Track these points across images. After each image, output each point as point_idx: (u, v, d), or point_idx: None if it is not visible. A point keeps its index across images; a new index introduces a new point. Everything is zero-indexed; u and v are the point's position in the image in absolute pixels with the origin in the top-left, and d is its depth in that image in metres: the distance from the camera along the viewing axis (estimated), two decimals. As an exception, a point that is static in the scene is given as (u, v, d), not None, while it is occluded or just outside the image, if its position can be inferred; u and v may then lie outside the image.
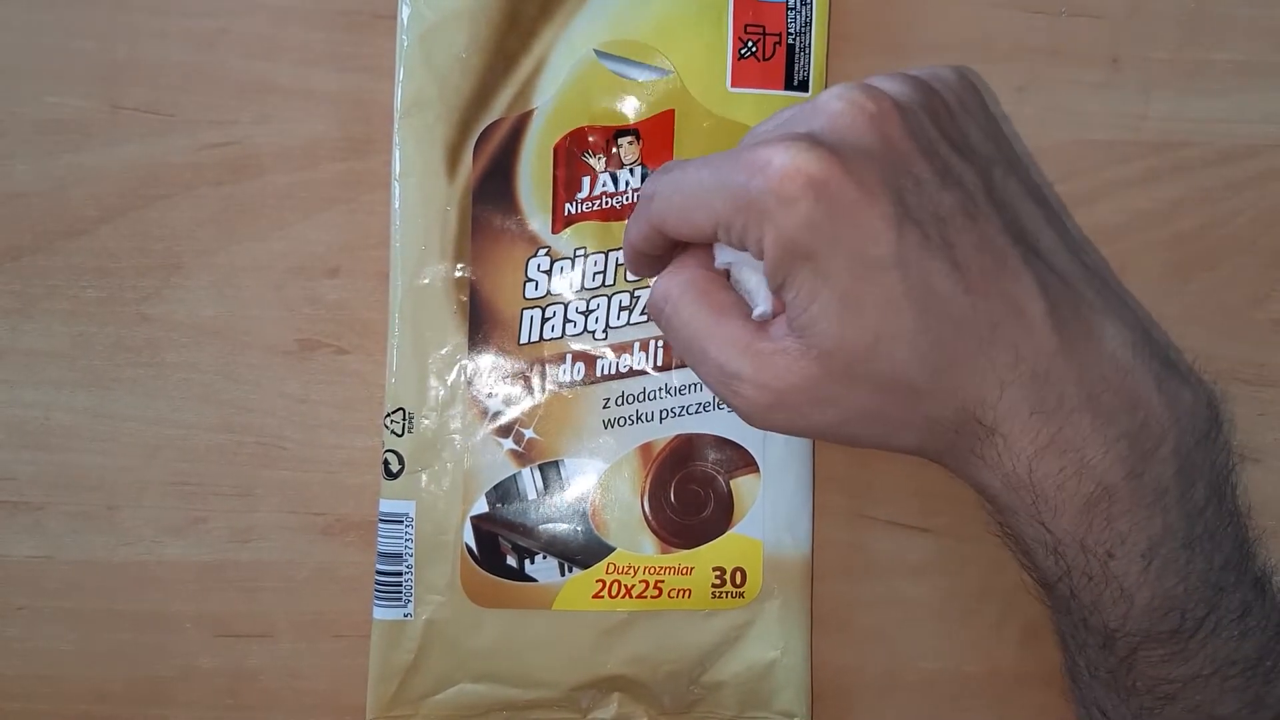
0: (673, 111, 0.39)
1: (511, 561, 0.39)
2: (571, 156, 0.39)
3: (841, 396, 0.30)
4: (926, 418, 0.30)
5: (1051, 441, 0.29)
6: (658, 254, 0.33)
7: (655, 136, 0.39)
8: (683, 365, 0.39)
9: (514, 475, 0.39)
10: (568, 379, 0.39)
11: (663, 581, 0.40)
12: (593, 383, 0.39)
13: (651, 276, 0.34)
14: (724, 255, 0.32)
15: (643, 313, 0.39)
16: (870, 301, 0.29)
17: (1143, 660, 0.31)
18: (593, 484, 0.39)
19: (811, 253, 0.28)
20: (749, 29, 0.39)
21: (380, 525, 0.39)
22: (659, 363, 0.39)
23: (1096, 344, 0.30)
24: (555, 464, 0.39)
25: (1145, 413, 0.30)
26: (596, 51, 0.39)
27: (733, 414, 0.39)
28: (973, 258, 0.29)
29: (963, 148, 0.31)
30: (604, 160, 0.39)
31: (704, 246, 0.33)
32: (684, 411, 0.40)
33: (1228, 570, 0.31)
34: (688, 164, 0.31)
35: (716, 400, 0.40)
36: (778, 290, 0.30)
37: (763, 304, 0.31)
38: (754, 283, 0.32)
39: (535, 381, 0.39)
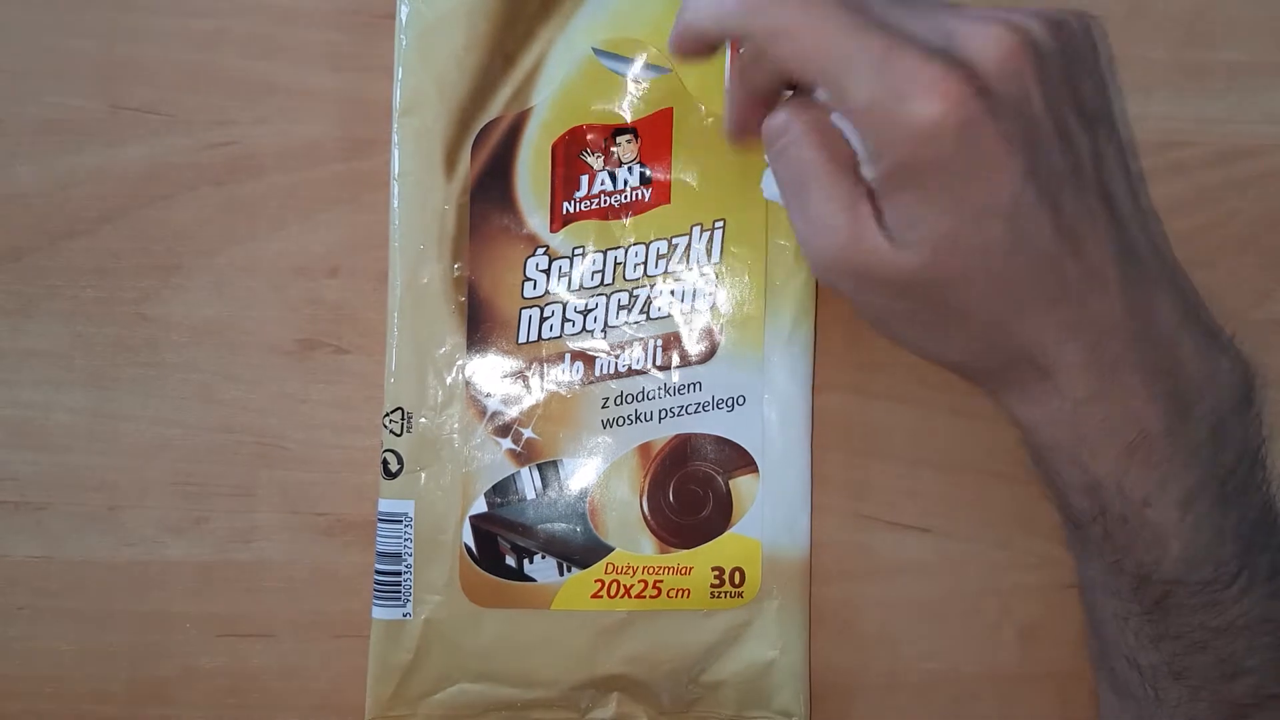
0: (671, 110, 0.39)
1: (510, 561, 0.39)
2: (570, 155, 0.39)
3: (909, 302, 0.31)
4: (984, 344, 0.31)
5: (1100, 392, 0.31)
6: (764, 91, 0.33)
7: (653, 135, 0.39)
8: (682, 365, 0.39)
9: (513, 475, 0.39)
10: (566, 378, 0.39)
11: (661, 581, 0.40)
12: (591, 382, 0.39)
13: (745, 116, 0.33)
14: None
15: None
16: (972, 244, 0.29)
17: (1175, 607, 0.32)
18: (591, 484, 0.40)
19: (928, 186, 0.29)
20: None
21: (379, 525, 0.39)
22: (658, 362, 0.39)
23: (1153, 311, 0.31)
24: (554, 464, 0.39)
25: (1185, 376, 0.31)
26: (595, 50, 0.39)
27: (732, 414, 0.39)
28: (1071, 221, 0.30)
29: (1080, 108, 0.31)
30: (602, 158, 0.39)
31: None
32: (683, 411, 0.40)
33: (1259, 530, 0.32)
34: (831, 6, 0.29)
35: (716, 400, 0.40)
36: (881, 196, 0.30)
37: (870, 170, 0.31)
38: (864, 152, 0.31)
39: (534, 381, 0.39)
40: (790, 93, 0.33)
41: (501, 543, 0.39)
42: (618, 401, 0.39)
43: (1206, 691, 0.33)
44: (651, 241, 0.39)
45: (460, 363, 0.39)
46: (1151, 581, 0.32)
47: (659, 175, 0.39)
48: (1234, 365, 0.32)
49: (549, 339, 0.39)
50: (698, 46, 0.32)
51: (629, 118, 0.39)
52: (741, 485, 0.40)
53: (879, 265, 0.30)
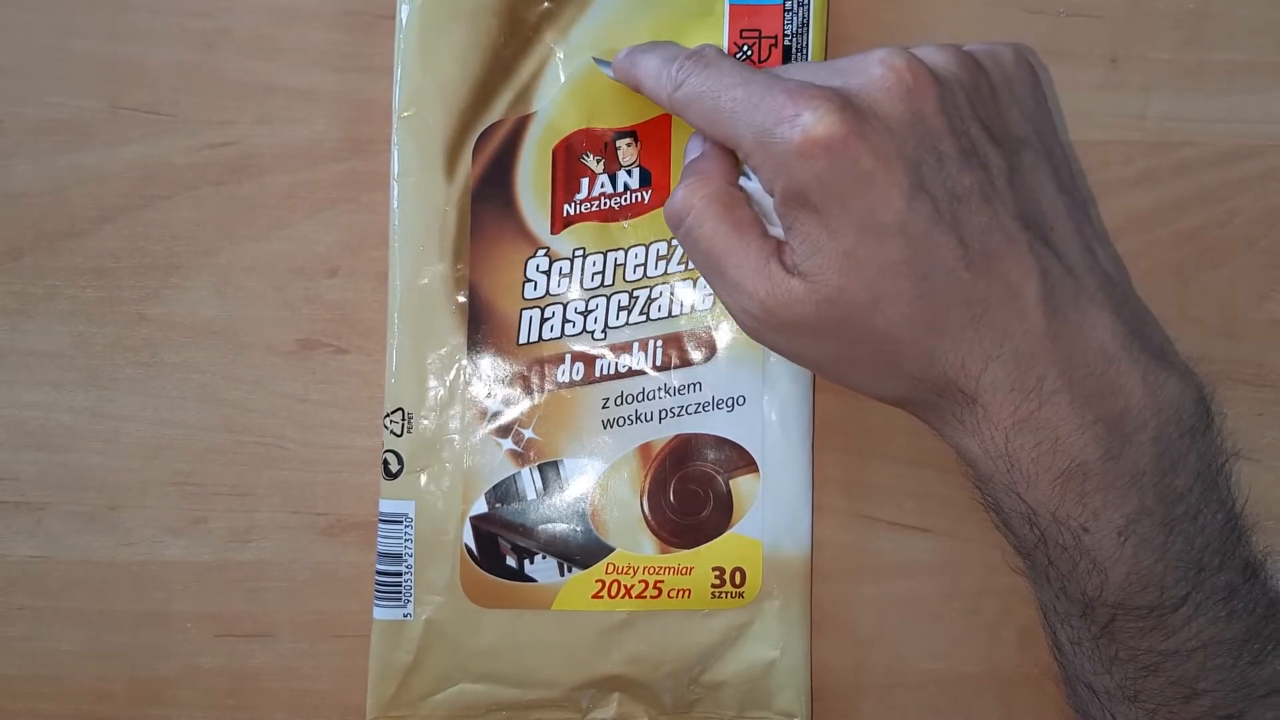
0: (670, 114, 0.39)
1: (511, 562, 0.39)
2: (570, 158, 0.39)
3: (835, 338, 0.32)
4: (910, 375, 0.32)
5: (1029, 418, 0.31)
6: None
7: (653, 138, 0.39)
8: (682, 365, 0.39)
9: (513, 475, 0.39)
10: (567, 379, 0.39)
11: (662, 581, 0.40)
12: (592, 383, 0.39)
13: None
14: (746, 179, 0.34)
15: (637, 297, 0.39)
16: (873, 262, 0.30)
17: (1122, 631, 0.32)
18: (592, 484, 0.40)
19: (820, 208, 0.30)
20: (744, 34, 0.39)
21: (380, 525, 0.39)
22: (658, 363, 0.39)
23: (1086, 333, 0.31)
24: (554, 464, 0.39)
25: (1126, 400, 0.31)
26: (595, 59, 0.38)
27: (732, 414, 0.39)
28: (979, 238, 0.30)
29: (996, 129, 0.32)
30: (602, 162, 0.39)
31: (727, 152, 0.34)
32: (683, 411, 0.40)
33: (1210, 553, 0.32)
34: (725, 71, 0.32)
35: (716, 400, 0.40)
36: (785, 231, 0.31)
37: (777, 226, 0.32)
38: (769, 204, 0.33)
39: (534, 381, 0.39)
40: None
41: (502, 543, 0.39)
42: (618, 402, 0.39)
43: (1163, 714, 0.33)
44: (651, 243, 0.39)
45: (461, 363, 0.39)
46: (1096, 607, 0.32)
47: (659, 177, 0.39)
48: (1185, 388, 0.32)
49: (549, 340, 0.39)
50: (633, 87, 0.36)
51: (629, 122, 0.39)
52: (742, 485, 0.40)
53: (799, 311, 0.31)
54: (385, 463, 0.39)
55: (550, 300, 0.39)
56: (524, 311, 0.39)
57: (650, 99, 0.35)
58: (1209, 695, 0.32)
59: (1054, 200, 0.32)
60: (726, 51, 0.39)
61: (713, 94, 0.32)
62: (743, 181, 0.34)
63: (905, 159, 0.30)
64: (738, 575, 0.40)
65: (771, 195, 0.31)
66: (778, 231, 0.32)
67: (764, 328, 0.33)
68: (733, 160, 0.34)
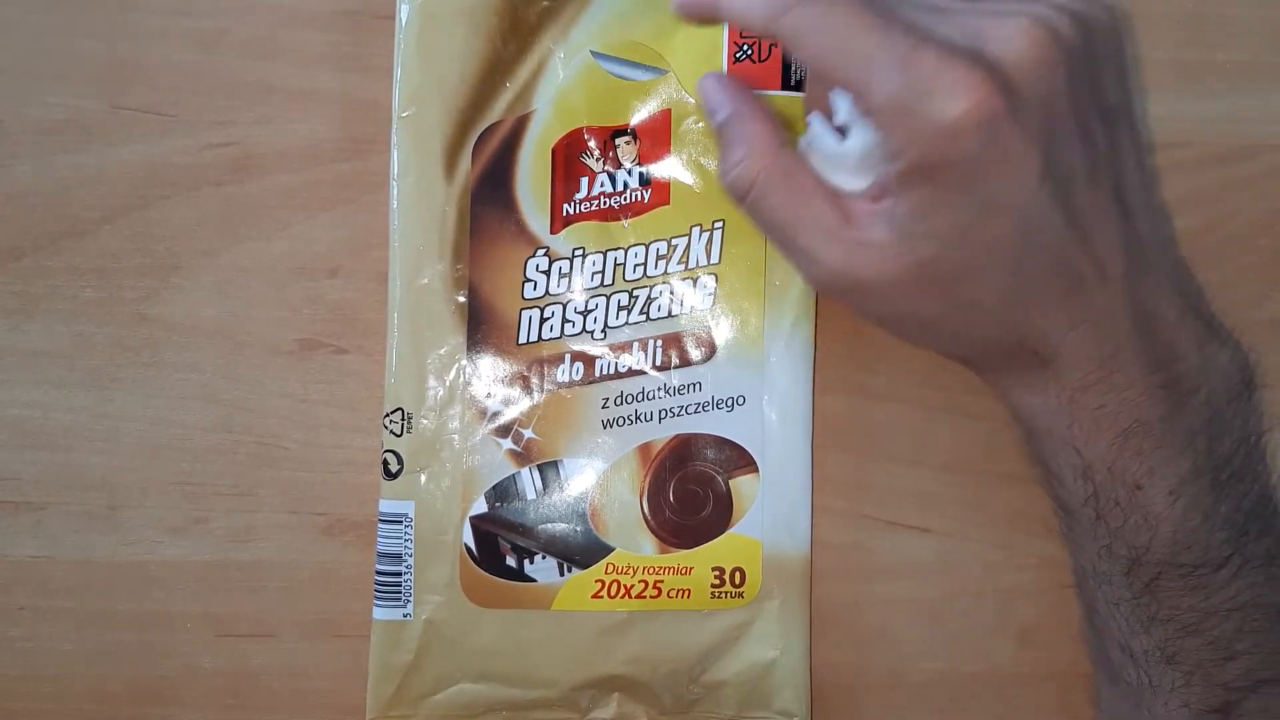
0: (669, 111, 0.39)
1: (511, 561, 0.39)
2: (570, 157, 0.39)
3: (914, 300, 0.31)
4: (984, 338, 0.32)
5: (1100, 381, 0.31)
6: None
7: (652, 136, 0.39)
8: (682, 365, 0.39)
9: (513, 475, 0.39)
10: (566, 379, 0.39)
11: (662, 581, 0.40)
12: (591, 383, 0.39)
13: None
14: (842, 114, 0.32)
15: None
16: (982, 237, 0.29)
17: (1165, 589, 0.33)
18: (592, 484, 0.40)
19: (948, 184, 0.29)
20: (744, 33, 0.39)
21: (380, 525, 0.39)
22: (658, 362, 0.39)
23: (1156, 302, 0.32)
24: (554, 464, 0.39)
25: (1184, 366, 0.32)
26: (593, 53, 0.39)
27: (732, 414, 0.39)
28: (1083, 215, 0.30)
29: (1103, 103, 0.31)
30: (602, 161, 0.39)
31: (761, 108, 0.33)
32: (683, 411, 0.40)
33: (1253, 518, 0.32)
34: (855, 11, 0.29)
35: (716, 400, 0.40)
36: (893, 192, 0.30)
37: (851, 177, 0.32)
38: (845, 153, 0.32)
39: (534, 381, 0.39)
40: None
41: (502, 543, 0.39)
42: (618, 402, 0.39)
43: (1199, 675, 0.33)
44: (651, 242, 0.39)
45: (460, 363, 0.39)
46: (1142, 564, 0.32)
47: (658, 176, 0.39)
48: (1232, 358, 0.33)
49: (549, 339, 0.39)
50: (705, 17, 0.32)
51: (628, 120, 0.39)
52: (742, 485, 0.40)
53: (878, 272, 0.30)
54: (385, 463, 0.39)
55: (550, 300, 0.39)
56: (524, 311, 0.39)
57: (737, 22, 0.32)
58: (1246, 657, 0.33)
59: (1135, 172, 0.32)
60: (726, 51, 0.39)
61: (840, 30, 0.29)
62: (807, 141, 0.32)
63: (1040, 143, 0.29)
64: (737, 575, 0.40)
65: (889, 160, 0.30)
66: (851, 183, 0.31)
67: (837, 288, 0.32)
68: (775, 118, 0.33)
